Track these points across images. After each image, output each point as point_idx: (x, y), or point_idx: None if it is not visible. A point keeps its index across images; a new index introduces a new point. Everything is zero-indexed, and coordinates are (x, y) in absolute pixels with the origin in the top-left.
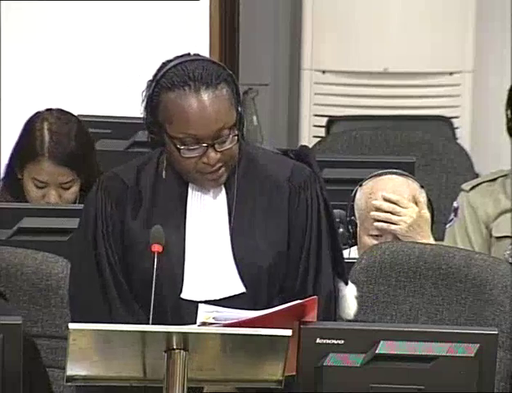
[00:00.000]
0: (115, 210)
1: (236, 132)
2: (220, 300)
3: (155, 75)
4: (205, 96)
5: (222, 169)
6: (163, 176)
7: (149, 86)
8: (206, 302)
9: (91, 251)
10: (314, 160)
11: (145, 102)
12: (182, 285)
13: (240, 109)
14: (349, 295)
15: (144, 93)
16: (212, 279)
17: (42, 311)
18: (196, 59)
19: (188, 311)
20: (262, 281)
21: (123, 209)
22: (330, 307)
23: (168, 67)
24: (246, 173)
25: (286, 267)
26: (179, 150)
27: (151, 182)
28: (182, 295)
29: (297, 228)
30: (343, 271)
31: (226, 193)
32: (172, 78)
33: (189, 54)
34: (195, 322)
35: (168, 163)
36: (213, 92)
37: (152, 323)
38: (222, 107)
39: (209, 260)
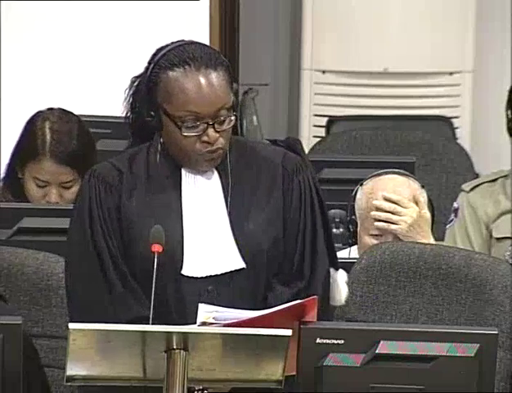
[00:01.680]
0: (109, 194)
1: (234, 113)
2: (220, 275)
3: (153, 58)
4: (205, 74)
5: (220, 151)
6: (157, 160)
7: (146, 69)
8: (207, 278)
9: (87, 239)
10: (302, 149)
11: (135, 87)
12: (182, 262)
13: (233, 98)
14: (340, 281)
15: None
16: (211, 255)
17: (43, 311)
18: (193, 42)
19: (189, 288)
20: (262, 258)
21: (119, 193)
22: (327, 287)
23: (166, 49)
24: (239, 157)
25: (283, 247)
26: (180, 128)
27: (144, 169)
28: (183, 272)
29: (292, 211)
30: (334, 257)
31: (220, 175)
32: (171, 58)
33: (183, 40)
34: (194, 300)
35: (161, 149)
36: (213, 72)
37: (154, 304)
38: (222, 87)
39: (208, 237)
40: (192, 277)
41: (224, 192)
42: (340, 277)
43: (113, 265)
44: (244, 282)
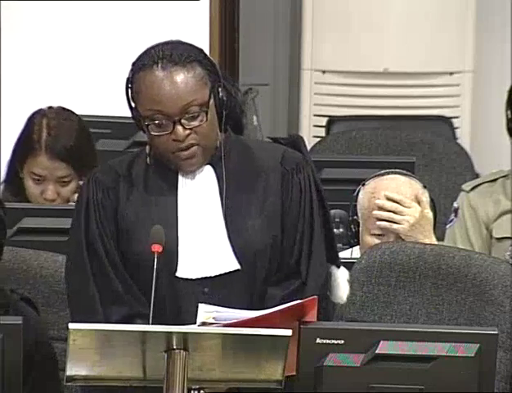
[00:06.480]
0: (107, 197)
1: (206, 109)
2: (215, 277)
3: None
4: (172, 72)
5: (194, 147)
6: (148, 162)
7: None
8: (201, 279)
9: (82, 239)
10: (304, 146)
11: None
12: (177, 264)
13: (220, 92)
14: (341, 279)
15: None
16: (206, 257)
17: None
18: (172, 42)
19: (184, 290)
20: (257, 259)
21: (116, 196)
22: (325, 287)
23: (144, 51)
24: (237, 157)
25: (281, 247)
26: (148, 126)
27: (143, 171)
28: (177, 274)
29: (291, 211)
30: (335, 255)
31: (217, 176)
32: (143, 59)
33: (165, 40)
34: (190, 302)
35: (152, 151)
36: (181, 69)
37: (149, 306)
38: (190, 84)
39: (203, 239)
40: (187, 279)
41: (220, 193)
42: (342, 275)
43: (110, 264)
44: (240, 282)
